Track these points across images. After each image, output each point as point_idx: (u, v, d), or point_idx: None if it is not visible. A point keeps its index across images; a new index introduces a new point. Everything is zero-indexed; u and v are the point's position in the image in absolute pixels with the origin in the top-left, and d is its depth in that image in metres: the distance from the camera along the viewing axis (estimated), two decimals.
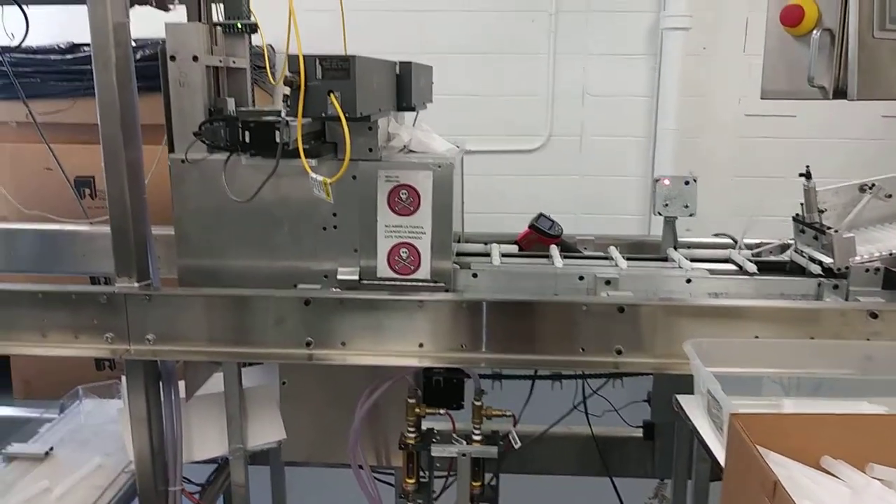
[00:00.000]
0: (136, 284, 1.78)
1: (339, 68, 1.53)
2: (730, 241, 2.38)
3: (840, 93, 1.63)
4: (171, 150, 1.89)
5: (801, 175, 2.11)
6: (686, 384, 1.62)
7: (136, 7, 1.88)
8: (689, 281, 2.03)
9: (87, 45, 3.04)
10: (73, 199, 2.81)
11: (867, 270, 2.02)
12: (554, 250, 2.18)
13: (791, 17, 1.63)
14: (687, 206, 2.23)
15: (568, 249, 2.28)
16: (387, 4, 3.84)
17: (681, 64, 3.85)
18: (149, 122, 1.81)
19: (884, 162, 3.97)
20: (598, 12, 3.90)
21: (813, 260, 2.06)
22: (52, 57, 2.98)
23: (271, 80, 2.10)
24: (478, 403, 2.01)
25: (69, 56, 2.98)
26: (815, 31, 1.61)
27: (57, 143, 2.71)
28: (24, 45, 2.69)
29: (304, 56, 1.53)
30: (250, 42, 2.13)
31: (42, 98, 2.94)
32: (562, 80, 3.97)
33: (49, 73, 2.96)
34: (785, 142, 3.92)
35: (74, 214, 2.71)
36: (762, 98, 1.78)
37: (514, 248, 2.26)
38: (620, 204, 4.14)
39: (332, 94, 1.53)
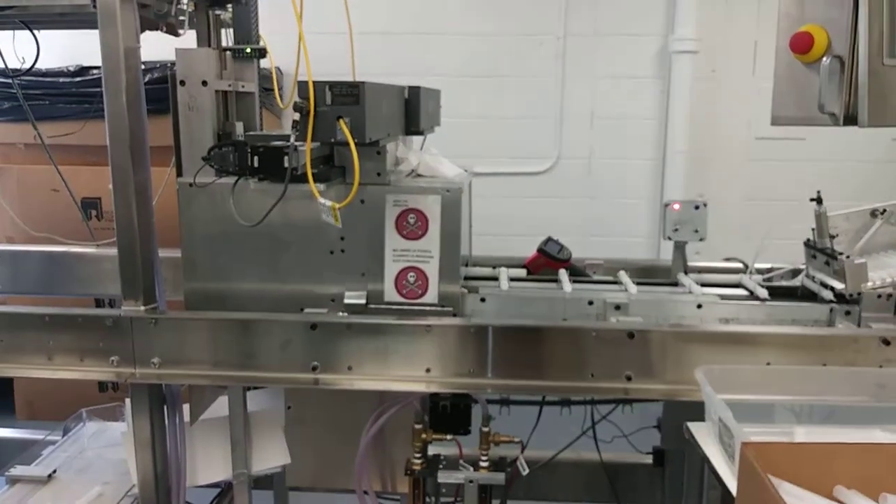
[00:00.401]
0: (142, 308, 1.78)
1: (348, 94, 1.54)
2: (740, 265, 2.36)
3: (850, 119, 1.62)
4: (180, 173, 1.89)
5: (812, 200, 2.09)
6: (696, 410, 1.60)
7: (147, 32, 1.90)
8: (699, 306, 2.01)
9: (96, 67, 3.10)
10: (80, 220, 2.81)
11: (879, 296, 2.00)
12: (563, 274, 2.16)
13: (801, 45, 1.63)
14: (697, 231, 2.22)
15: (577, 273, 2.27)
16: (396, 27, 3.87)
17: (689, 87, 3.85)
18: (156, 143, 1.81)
19: (893, 183, 3.96)
20: (606, 36, 3.91)
21: (825, 285, 2.04)
22: (61, 80, 3.01)
23: (280, 103, 2.11)
24: (485, 430, 1.99)
25: (78, 79, 3.01)
26: (824, 59, 1.60)
27: (64, 165, 2.72)
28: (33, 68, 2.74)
29: (314, 82, 1.53)
30: (259, 66, 2.14)
31: (50, 120, 2.97)
32: (570, 102, 3.98)
33: (58, 96, 2.99)
34: (795, 165, 3.91)
35: (81, 235, 2.72)
36: (773, 124, 1.77)
37: (522, 272, 2.25)
38: (629, 226, 4.12)
39: (341, 120, 1.54)
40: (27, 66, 2.23)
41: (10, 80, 2.37)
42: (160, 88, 1.97)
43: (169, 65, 2.92)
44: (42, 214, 2.99)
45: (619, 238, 4.13)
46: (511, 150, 4.03)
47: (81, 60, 3.10)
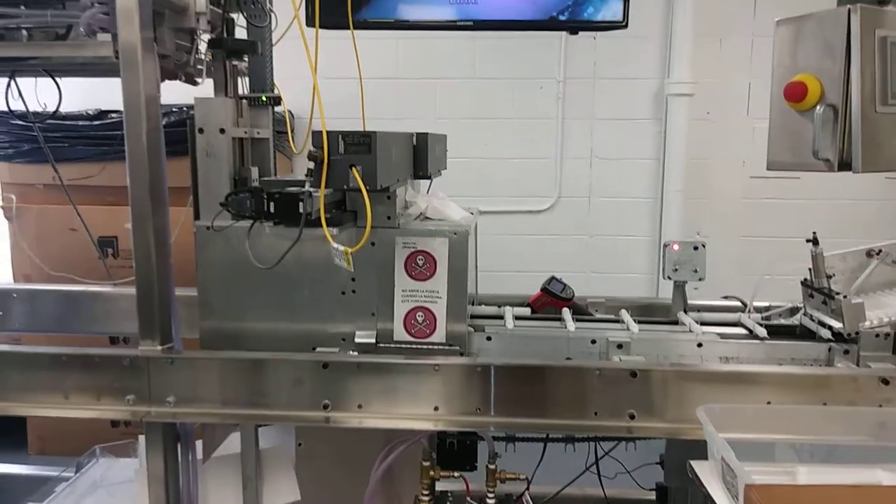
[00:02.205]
0: (158, 347, 1.82)
1: (360, 143, 1.60)
2: (739, 303, 2.42)
3: (844, 165, 1.69)
4: (197, 216, 1.96)
5: (808, 241, 2.15)
6: (699, 447, 1.64)
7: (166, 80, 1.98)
8: (700, 345, 2.06)
9: (115, 111, 3.19)
10: (97, 258, 2.87)
11: (877, 336, 2.05)
12: (566, 313, 2.22)
13: (794, 94, 1.69)
14: (696, 271, 2.27)
15: (580, 312, 2.32)
16: (403, 73, 3.98)
17: (686, 128, 3.95)
18: (173, 184, 1.87)
19: (886, 221, 4.03)
20: (605, 79, 4.02)
21: (823, 324, 2.09)
22: (81, 123, 3.10)
23: (293, 148, 2.19)
24: (492, 466, 2.02)
25: (97, 122, 3.10)
26: (818, 107, 1.66)
27: (81, 205, 2.79)
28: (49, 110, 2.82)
29: (328, 132, 1.60)
30: (273, 112, 2.22)
31: (70, 161, 3.05)
32: (570, 143, 4.08)
33: (77, 138, 3.08)
34: (789, 203, 3.99)
35: (97, 273, 2.78)
36: (768, 169, 1.83)
37: (526, 311, 2.30)
38: (629, 263, 4.19)
39: (353, 168, 1.60)
40: (48, 109, 2.32)
41: (31, 124, 2.44)
42: (176, 132, 2.04)
43: (185, 108, 3.03)
44: (59, 253, 3.06)
45: (619, 274, 4.19)
46: (514, 189, 4.12)
47: (100, 103, 3.19)
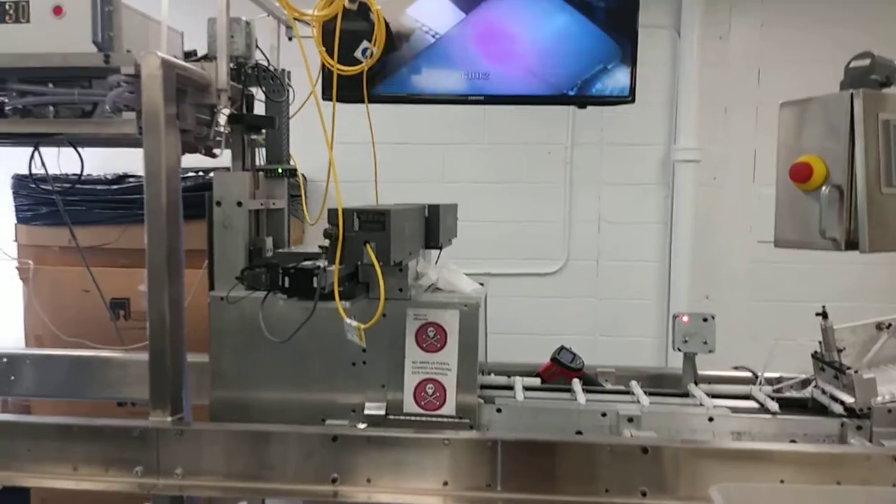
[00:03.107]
0: (169, 419, 1.82)
1: (375, 221, 1.64)
2: (750, 374, 2.41)
3: (852, 245, 1.71)
4: (212, 286, 1.98)
5: (817, 315, 2.16)
6: None
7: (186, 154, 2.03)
8: (711, 419, 2.05)
9: (132, 175, 3.26)
10: (108, 319, 2.90)
11: (889, 411, 2.02)
12: (576, 384, 2.21)
13: (800, 175, 1.73)
14: (706, 343, 2.28)
15: (589, 383, 2.32)
16: (413, 138, 4.07)
17: (692, 193, 3.99)
18: (187, 247, 1.90)
19: (893, 281, 4.02)
20: (612, 145, 4.09)
21: (834, 399, 2.08)
22: (99, 187, 3.17)
23: (307, 218, 2.23)
24: None
25: (115, 186, 3.17)
26: (823, 188, 1.70)
27: (96, 267, 2.83)
28: (71, 176, 2.89)
29: (343, 209, 1.64)
30: (288, 183, 2.27)
31: (86, 224, 3.11)
32: (578, 207, 4.12)
33: (95, 202, 3.14)
34: (798, 267, 3.99)
35: (109, 333, 2.80)
36: (776, 246, 1.86)
37: (536, 381, 2.29)
38: (637, 327, 4.18)
39: (368, 245, 1.63)
40: (67, 173, 2.37)
41: (49, 187, 2.50)
42: (193, 196, 2.09)
43: (202, 173, 3.09)
44: (72, 313, 3.08)
45: (628, 338, 4.18)
46: (522, 251, 4.15)
47: (118, 166, 3.25)
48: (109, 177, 3.22)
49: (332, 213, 1.65)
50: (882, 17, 3.91)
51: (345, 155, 2.29)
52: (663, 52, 4.04)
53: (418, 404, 1.96)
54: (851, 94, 1.66)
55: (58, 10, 1.80)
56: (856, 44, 3.98)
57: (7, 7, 1.81)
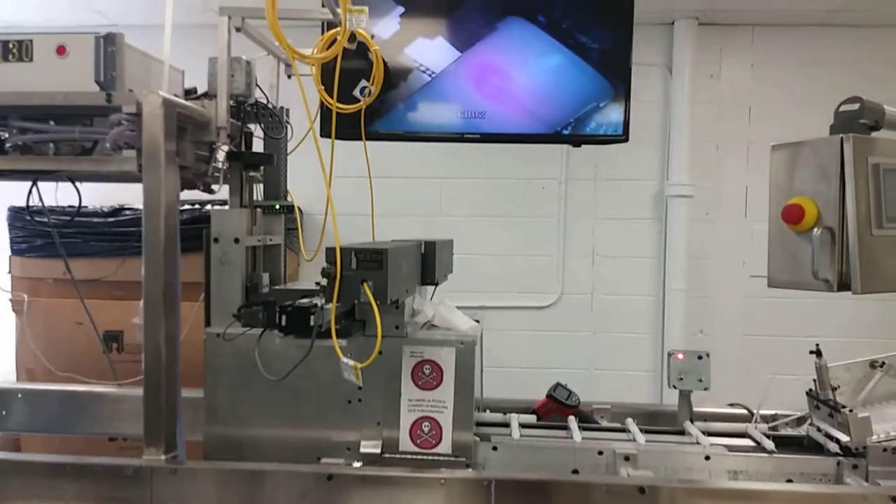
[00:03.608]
0: (162, 457, 1.81)
1: (372, 260, 1.65)
2: (745, 412, 2.41)
3: (844, 286, 1.72)
4: (208, 323, 1.98)
5: (811, 353, 2.17)
6: None
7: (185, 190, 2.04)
8: (707, 458, 2.04)
9: (129, 208, 3.26)
10: (101, 352, 2.88)
11: (885, 450, 2.03)
12: (572, 422, 2.21)
13: (792, 216, 1.75)
14: (701, 381, 2.28)
15: (585, 420, 2.31)
16: (410, 172, 4.11)
17: (686, 228, 4.04)
18: (183, 279, 1.88)
19: (891, 320, 4.04)
20: (606, 180, 4.14)
21: (830, 437, 2.08)
22: (95, 220, 3.18)
23: (304, 254, 2.23)
24: None
25: (111, 219, 3.17)
26: (815, 230, 1.72)
27: (90, 298, 2.82)
28: (67, 208, 2.89)
29: (341, 248, 1.65)
30: (286, 219, 2.28)
31: (82, 257, 3.11)
32: (572, 241, 4.15)
33: (90, 234, 3.14)
34: (791, 301, 4.01)
35: (101, 366, 2.77)
36: (769, 286, 1.87)
37: (532, 418, 2.29)
38: (632, 361, 4.19)
39: (365, 284, 1.64)
40: (63, 206, 2.36)
41: (45, 219, 2.50)
42: (190, 229, 2.09)
43: (199, 205, 3.10)
44: (65, 346, 3.07)
45: (623, 372, 4.18)
46: (517, 285, 4.17)
47: (113, 198, 3.26)
48: (106, 209, 3.22)
49: (330, 252, 1.65)
50: (868, 57, 4.00)
51: (342, 187, 2.31)
52: (656, 90, 4.12)
53: (414, 442, 1.95)
54: (842, 139, 1.69)
55: (61, 50, 1.82)
56: (843, 84, 4.08)
57: (11, 46, 1.83)
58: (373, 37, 2.21)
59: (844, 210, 1.70)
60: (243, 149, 2.16)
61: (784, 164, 1.84)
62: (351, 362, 1.68)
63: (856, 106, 1.74)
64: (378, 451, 1.94)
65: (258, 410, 1.96)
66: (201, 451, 2.01)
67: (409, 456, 1.94)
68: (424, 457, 1.94)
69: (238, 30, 2.02)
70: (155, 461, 1.80)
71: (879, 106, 1.76)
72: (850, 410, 2.05)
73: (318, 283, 1.71)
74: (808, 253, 1.74)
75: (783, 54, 4.08)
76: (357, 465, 1.91)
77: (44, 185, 2.31)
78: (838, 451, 2.04)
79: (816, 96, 4.07)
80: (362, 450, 1.94)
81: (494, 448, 2.06)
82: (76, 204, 2.29)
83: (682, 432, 2.23)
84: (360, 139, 2.26)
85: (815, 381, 2.19)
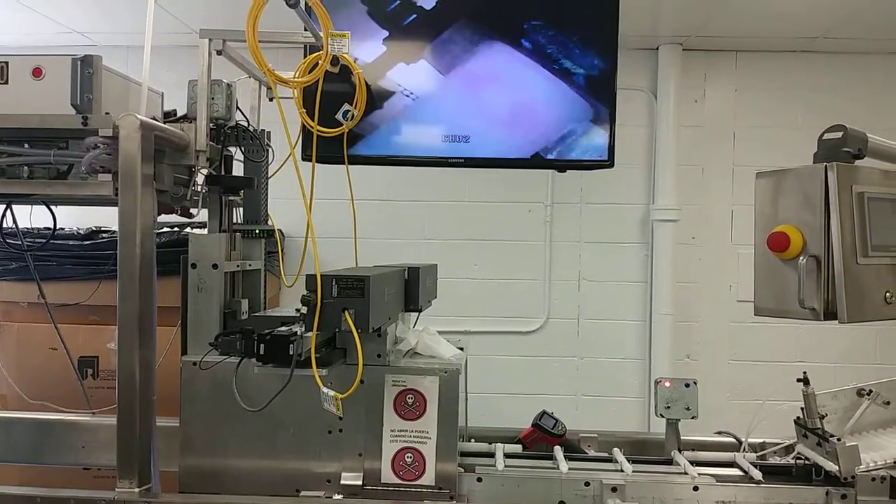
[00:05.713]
0: (136, 490, 1.75)
1: (354, 287, 1.61)
2: (733, 440, 2.38)
3: (831, 314, 1.70)
4: (185, 350, 1.93)
5: (798, 381, 2.15)
6: None
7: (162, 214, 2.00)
8: (696, 489, 2.01)
9: (105, 230, 3.21)
10: (76, 379, 2.81)
11: (874, 479, 2.01)
12: (558, 452, 2.17)
13: (777, 244, 1.73)
14: (689, 409, 2.25)
15: (572, 449, 2.27)
16: (395, 195, 4.08)
17: (672, 253, 4.02)
18: (160, 303, 1.85)
19: (872, 341, 4.04)
20: (591, 204, 4.13)
21: (818, 466, 2.05)
22: (71, 242, 3.11)
23: (284, 280, 2.19)
24: None
25: (87, 242, 3.11)
26: (801, 258, 1.70)
27: (64, 324, 2.76)
28: (42, 230, 2.84)
29: (322, 275, 1.61)
30: (266, 243, 2.24)
31: (56, 280, 3.04)
32: (558, 265, 4.13)
33: (66, 257, 3.08)
34: (778, 327, 3.99)
35: (75, 394, 2.70)
36: (756, 315, 1.84)
37: (517, 448, 2.24)
38: (619, 386, 4.15)
39: (346, 312, 1.60)
40: (38, 228, 2.31)
41: (19, 242, 2.45)
42: (167, 252, 2.05)
43: (177, 228, 3.05)
44: (38, 373, 2.99)
45: (610, 398, 4.14)
46: (502, 309, 4.13)
47: (89, 219, 3.20)
48: (82, 231, 3.16)
49: (311, 280, 1.62)
50: (850, 83, 4.04)
51: (325, 209, 2.28)
52: (640, 114, 4.13)
53: (396, 474, 1.90)
54: (826, 167, 1.68)
55: (37, 72, 1.79)
56: (826, 108, 4.10)
57: None
58: (356, 60, 2.19)
59: (830, 238, 1.69)
60: (223, 172, 2.12)
61: (769, 191, 1.83)
62: (331, 392, 1.64)
63: (839, 134, 1.73)
64: (359, 482, 1.89)
65: (236, 441, 1.90)
66: (176, 483, 1.95)
67: (391, 488, 1.89)
68: (407, 489, 1.89)
69: (219, 52, 1.99)
70: (128, 494, 1.75)
71: (863, 134, 1.76)
72: (839, 439, 2.03)
73: (298, 310, 1.67)
74: (794, 281, 1.72)
75: (767, 79, 4.11)
76: (338, 497, 1.86)
77: (18, 208, 2.27)
78: (826, 480, 2.02)
79: (799, 121, 4.12)
80: (343, 482, 1.89)
81: (479, 479, 2.01)
82: (51, 226, 2.25)
83: (669, 461, 2.20)
84: (343, 163, 2.23)
85: (802, 409, 2.17)
